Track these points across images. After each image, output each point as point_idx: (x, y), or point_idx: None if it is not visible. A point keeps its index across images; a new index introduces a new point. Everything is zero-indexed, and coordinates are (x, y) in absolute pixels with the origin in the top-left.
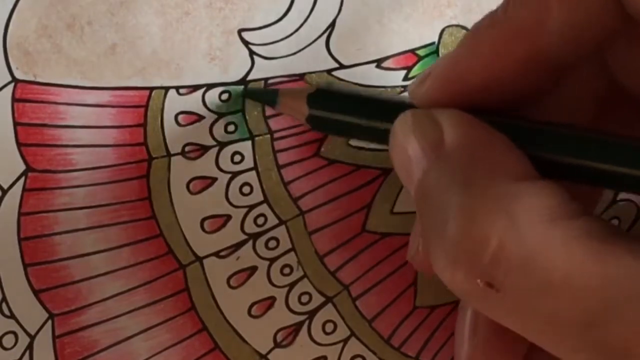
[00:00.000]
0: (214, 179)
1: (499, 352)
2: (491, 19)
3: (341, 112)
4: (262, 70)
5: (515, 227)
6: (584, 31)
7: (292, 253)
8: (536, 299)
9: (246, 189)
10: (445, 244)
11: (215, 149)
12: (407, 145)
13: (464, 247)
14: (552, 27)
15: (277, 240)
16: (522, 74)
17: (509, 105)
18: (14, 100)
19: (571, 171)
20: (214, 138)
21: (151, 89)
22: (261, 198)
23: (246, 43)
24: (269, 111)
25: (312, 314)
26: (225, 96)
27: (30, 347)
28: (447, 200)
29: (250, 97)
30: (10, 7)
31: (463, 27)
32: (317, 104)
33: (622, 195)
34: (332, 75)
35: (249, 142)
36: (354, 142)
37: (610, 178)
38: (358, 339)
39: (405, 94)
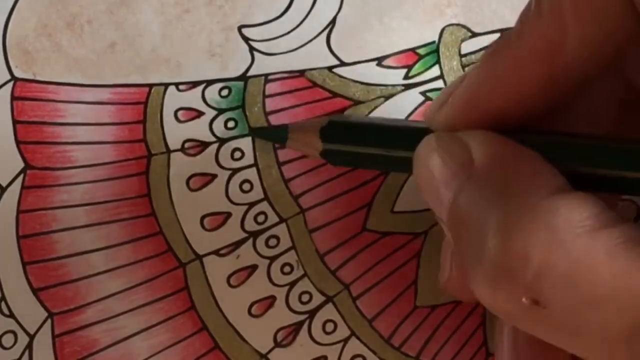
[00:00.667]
0: (214, 176)
1: None
2: (507, 40)
3: (357, 143)
4: (262, 66)
5: (557, 240)
6: (601, 44)
7: (293, 251)
8: (584, 313)
9: (246, 186)
10: (485, 264)
11: (215, 145)
12: (434, 169)
13: (505, 266)
14: (569, 44)
15: (278, 238)
16: (542, 93)
17: (530, 123)
18: (13, 98)
19: (600, 182)
20: (213, 134)
21: (150, 85)
22: (261, 195)
23: (246, 39)
24: (269, 107)
25: (312, 314)
26: (225, 92)
27: (29, 346)
28: (483, 220)
29: (257, 136)
30: (10, 6)
31: (463, 26)
32: (330, 137)
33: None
34: (333, 72)
35: (249, 139)
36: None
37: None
38: (358, 338)
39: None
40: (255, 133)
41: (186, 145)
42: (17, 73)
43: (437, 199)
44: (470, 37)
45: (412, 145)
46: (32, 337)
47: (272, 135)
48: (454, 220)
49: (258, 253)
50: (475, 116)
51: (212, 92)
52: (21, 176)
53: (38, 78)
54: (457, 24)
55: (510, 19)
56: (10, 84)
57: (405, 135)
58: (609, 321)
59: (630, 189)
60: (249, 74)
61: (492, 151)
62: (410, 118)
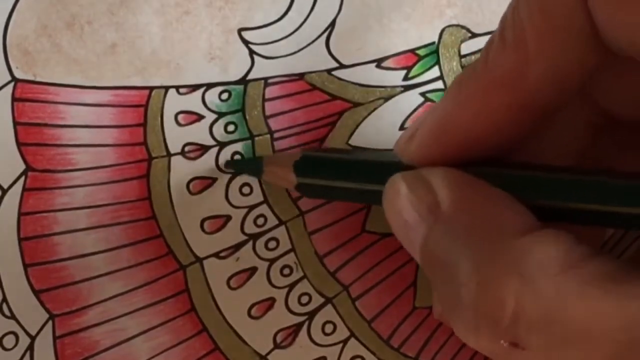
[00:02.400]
0: (214, 179)
1: None
2: (472, 70)
3: (330, 177)
4: (262, 69)
5: (529, 284)
6: (565, 73)
7: (292, 254)
8: (561, 352)
9: (246, 189)
10: (463, 312)
11: (215, 149)
12: (401, 210)
13: (482, 311)
14: (532, 73)
15: (277, 240)
16: (509, 122)
17: (500, 152)
18: (14, 99)
19: (570, 214)
20: (214, 138)
21: (151, 88)
22: (261, 198)
23: (246, 42)
24: (269, 111)
25: (311, 315)
26: (225, 96)
27: (30, 347)
28: (454, 263)
29: (234, 168)
30: (10, 6)
31: (463, 27)
32: (304, 171)
33: None
34: (332, 75)
35: (249, 142)
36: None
37: (607, 217)
38: (358, 339)
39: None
40: (231, 166)
41: (186, 148)
42: (18, 74)
43: (407, 239)
44: (470, 37)
45: (384, 179)
46: (33, 339)
47: (247, 168)
48: (426, 262)
49: (258, 255)
50: (443, 147)
51: (212, 96)
52: (22, 178)
53: (38, 79)
54: (457, 25)
55: None
56: (11, 85)
57: (377, 169)
58: (586, 357)
59: (600, 221)
60: (249, 77)
61: (457, 192)
62: (410, 120)
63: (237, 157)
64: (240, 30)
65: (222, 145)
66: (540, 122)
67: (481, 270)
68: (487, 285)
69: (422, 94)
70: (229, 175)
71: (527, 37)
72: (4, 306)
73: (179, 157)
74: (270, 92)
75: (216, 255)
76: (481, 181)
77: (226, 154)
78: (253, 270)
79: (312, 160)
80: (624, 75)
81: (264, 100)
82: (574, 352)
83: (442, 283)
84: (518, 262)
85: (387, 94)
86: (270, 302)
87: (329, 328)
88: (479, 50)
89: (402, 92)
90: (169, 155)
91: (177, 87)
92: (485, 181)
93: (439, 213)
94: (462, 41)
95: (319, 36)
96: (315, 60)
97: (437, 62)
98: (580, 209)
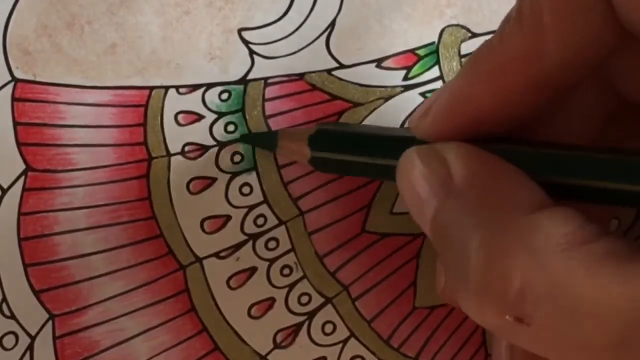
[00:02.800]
0: (214, 179)
1: None
2: (488, 46)
3: (344, 151)
4: (262, 69)
5: (537, 260)
6: (581, 51)
7: (292, 253)
8: (566, 328)
9: (246, 189)
10: (470, 284)
11: (215, 149)
12: (414, 183)
13: (488, 286)
14: (549, 50)
15: (277, 240)
16: (524, 98)
17: (514, 130)
18: (14, 99)
19: (581, 192)
20: (213, 138)
21: (151, 88)
22: (261, 198)
23: (246, 42)
24: (269, 111)
25: (311, 315)
26: (225, 95)
27: (30, 347)
28: (464, 238)
29: (247, 142)
30: (10, 6)
31: (463, 27)
32: (318, 145)
33: None
34: (332, 75)
35: None
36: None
37: (618, 195)
38: (357, 339)
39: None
40: (245, 140)
41: (186, 148)
42: (18, 74)
43: (419, 212)
44: (470, 37)
45: (398, 154)
46: (33, 339)
47: (261, 142)
48: (436, 235)
49: (258, 255)
50: (458, 123)
51: (212, 96)
52: (22, 178)
53: (38, 79)
54: (457, 25)
55: None
56: (11, 85)
57: (391, 144)
58: (590, 336)
59: (611, 200)
60: (249, 77)
61: (470, 166)
62: (410, 119)
63: (237, 156)
64: (240, 30)
65: (222, 145)
66: (554, 100)
67: (489, 244)
68: (494, 259)
69: (422, 94)
70: (228, 175)
71: (544, 14)
72: (4, 306)
73: (179, 157)
74: (270, 92)
75: (216, 255)
76: (494, 156)
77: (226, 154)
78: (253, 270)
79: (326, 134)
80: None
81: (264, 100)
82: (579, 328)
83: (450, 257)
84: (527, 237)
85: (387, 94)
86: (270, 302)
87: (328, 328)
88: None
89: (402, 92)
90: (169, 155)
91: (177, 87)
92: (498, 157)
93: (451, 186)
94: (462, 41)
95: (319, 36)
96: (315, 60)
97: (437, 62)
98: (592, 186)
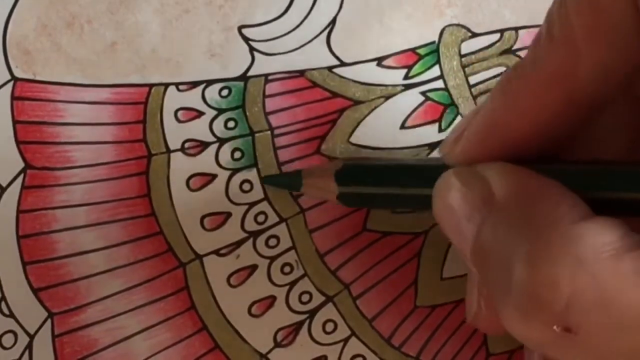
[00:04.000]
0: (214, 176)
1: None
2: (520, 70)
3: (373, 185)
4: (263, 66)
5: (585, 267)
6: (615, 67)
7: (293, 251)
8: (616, 337)
9: (246, 186)
10: (514, 295)
11: (215, 145)
12: (454, 205)
13: (534, 297)
14: (583, 70)
15: (278, 238)
16: (558, 120)
17: (546, 152)
18: (13, 98)
19: (622, 205)
20: (214, 134)
21: (150, 85)
22: (261, 195)
23: (246, 39)
24: (269, 107)
25: (312, 313)
26: (225, 92)
27: (29, 346)
28: (509, 251)
29: (270, 183)
30: (10, 6)
31: (463, 27)
32: (346, 180)
33: None
34: (333, 72)
35: (249, 139)
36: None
37: None
38: (358, 338)
39: (436, 154)
40: (269, 181)
41: (186, 145)
42: (17, 73)
43: (459, 234)
44: (470, 37)
45: (429, 183)
46: (32, 337)
47: (285, 182)
48: (478, 254)
49: (258, 253)
50: (492, 148)
51: (212, 92)
52: (21, 176)
53: (38, 78)
54: (457, 24)
55: (510, 19)
56: (11, 84)
57: (422, 173)
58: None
59: None
60: (249, 74)
61: (512, 183)
62: (410, 118)
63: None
64: (240, 28)
65: (222, 141)
66: (587, 119)
67: (535, 254)
68: (540, 268)
69: (423, 93)
70: (229, 172)
71: (576, 33)
72: (3, 304)
73: (179, 153)
74: (271, 88)
75: (216, 252)
76: (534, 172)
77: (226, 151)
78: (253, 268)
79: (353, 168)
80: None
81: (265, 96)
82: (629, 337)
83: (494, 274)
84: (572, 246)
85: (388, 93)
86: (270, 300)
87: (329, 327)
88: (479, 50)
89: (402, 90)
90: (169, 151)
91: (176, 84)
92: (538, 173)
93: (493, 203)
94: (462, 40)
95: (320, 33)
96: (316, 57)
97: (438, 61)
98: (632, 199)
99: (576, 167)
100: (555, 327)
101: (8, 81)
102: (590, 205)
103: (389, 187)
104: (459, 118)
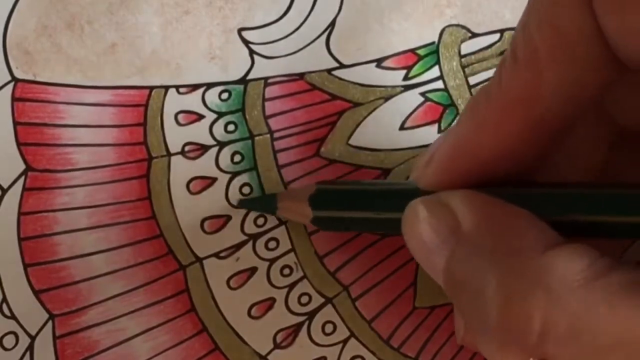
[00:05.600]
0: (214, 179)
1: None
2: (486, 93)
3: (347, 208)
4: (262, 69)
5: (555, 298)
6: (580, 87)
7: (292, 254)
8: None
9: (246, 189)
10: (490, 330)
11: (215, 149)
12: (422, 234)
13: (509, 329)
14: (547, 90)
15: (277, 240)
16: (525, 141)
17: (517, 174)
18: (14, 99)
19: (587, 228)
20: (214, 137)
21: (151, 88)
22: None
23: (246, 42)
24: (269, 110)
25: (311, 315)
26: (225, 95)
27: (30, 347)
28: (479, 284)
29: (246, 206)
30: (10, 6)
31: (463, 27)
32: (320, 204)
33: None
34: (332, 75)
35: (249, 142)
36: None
37: (625, 228)
38: (358, 339)
39: (410, 179)
40: (244, 205)
41: (186, 148)
42: (18, 74)
43: (430, 264)
44: (470, 37)
45: (402, 207)
46: (33, 339)
47: (261, 205)
48: (450, 284)
49: (258, 255)
50: (461, 171)
51: (212, 96)
52: (22, 178)
53: (38, 79)
54: (457, 25)
55: (510, 19)
56: (11, 85)
57: (395, 197)
58: None
59: (618, 233)
60: (249, 77)
61: (476, 213)
62: (410, 119)
63: (237, 156)
64: (240, 30)
65: (222, 145)
66: (556, 139)
67: (506, 287)
68: (512, 301)
69: (422, 94)
70: (229, 175)
71: (539, 52)
72: (4, 306)
73: (179, 156)
74: (270, 91)
75: (216, 255)
76: (500, 200)
77: (226, 154)
78: (253, 270)
79: (327, 192)
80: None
81: (264, 99)
82: None
83: (466, 305)
84: (542, 277)
85: (387, 94)
86: (270, 302)
87: (329, 328)
88: (479, 50)
89: (402, 91)
90: (169, 154)
91: (177, 87)
92: (504, 201)
93: (460, 234)
94: (462, 41)
95: (319, 36)
96: (315, 60)
97: (437, 62)
98: (598, 222)
99: (543, 191)
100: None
101: (8, 82)
102: (558, 228)
103: (362, 212)
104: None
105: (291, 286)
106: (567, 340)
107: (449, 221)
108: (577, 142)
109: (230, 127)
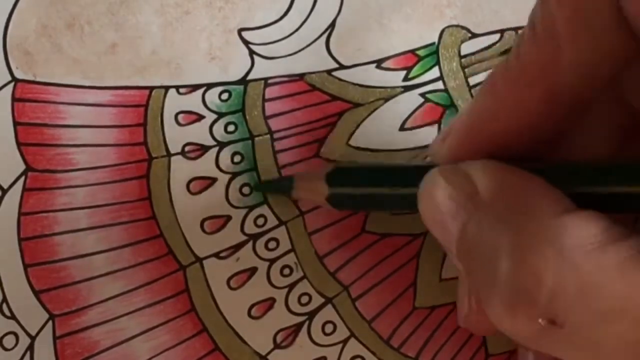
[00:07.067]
0: (214, 179)
1: None
2: (505, 66)
3: (363, 185)
4: (262, 69)
5: (567, 260)
6: (597, 66)
7: (292, 254)
8: (599, 328)
9: (246, 190)
10: (500, 289)
11: (215, 149)
12: (439, 203)
13: (518, 290)
14: (564, 65)
15: (277, 241)
16: (541, 116)
17: (532, 151)
18: (14, 99)
19: (605, 201)
20: (214, 138)
21: (151, 88)
22: (261, 199)
23: (246, 42)
24: (269, 111)
25: (311, 315)
26: (225, 96)
27: (30, 347)
28: (494, 246)
29: (264, 189)
30: (10, 7)
31: (463, 28)
32: (337, 181)
33: None
34: (332, 75)
35: (249, 142)
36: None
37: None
38: (358, 339)
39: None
40: (261, 187)
41: (186, 148)
42: (18, 74)
43: (444, 232)
44: (470, 38)
45: (418, 182)
46: (33, 339)
47: (278, 187)
48: (464, 249)
49: (258, 255)
50: (478, 145)
51: (212, 96)
52: (22, 178)
53: (38, 79)
54: (457, 25)
55: (510, 20)
56: (11, 85)
57: (411, 174)
58: (624, 334)
59: (634, 206)
60: (249, 77)
61: (496, 179)
62: (410, 120)
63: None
64: (240, 31)
65: (222, 145)
66: (571, 117)
67: (518, 247)
68: (524, 261)
69: (422, 95)
70: (229, 176)
71: (558, 28)
72: (4, 306)
73: (179, 157)
74: (271, 92)
75: (216, 255)
76: (517, 168)
77: (226, 154)
78: (253, 270)
79: (344, 170)
80: None
81: (264, 100)
82: (612, 328)
83: (480, 270)
84: (556, 238)
85: (387, 95)
86: (270, 302)
87: (329, 328)
88: (479, 51)
89: (402, 92)
90: (169, 155)
91: (177, 87)
92: (522, 170)
93: (478, 200)
94: (462, 41)
95: (319, 37)
96: (315, 60)
97: (437, 63)
98: (612, 194)
99: (559, 164)
100: (540, 320)
101: (9, 82)
102: (573, 200)
103: (379, 188)
104: None
105: (291, 286)
106: (577, 302)
107: (466, 187)
108: (592, 126)
109: (230, 128)
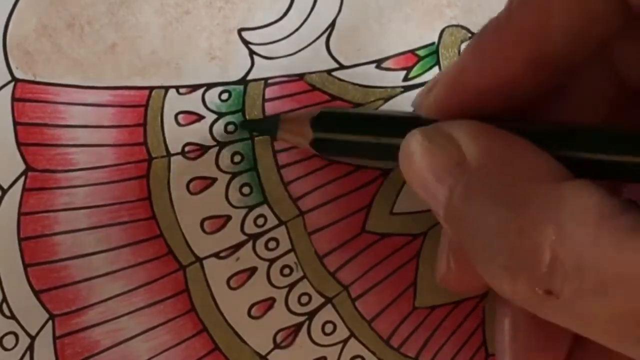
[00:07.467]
0: (214, 179)
1: (540, 356)
2: (495, 23)
3: (347, 132)
4: (262, 70)
5: (565, 232)
6: (587, 31)
7: (292, 254)
8: (595, 301)
9: (246, 190)
10: (500, 259)
11: (215, 149)
12: (422, 165)
13: (519, 260)
14: (554, 29)
15: (277, 240)
16: (529, 76)
17: (517, 110)
18: (14, 99)
19: (597, 168)
20: (214, 138)
21: (151, 88)
22: (261, 199)
23: (246, 42)
24: (269, 111)
25: (311, 315)
26: (225, 96)
27: (30, 347)
28: (488, 214)
29: (248, 128)
30: (10, 6)
31: (463, 27)
32: (321, 126)
33: None
34: (332, 76)
35: (249, 142)
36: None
37: (629, 168)
38: (357, 339)
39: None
40: (246, 126)
41: (186, 148)
42: (18, 74)
43: (430, 195)
44: (470, 38)
45: (402, 133)
46: (33, 339)
47: (262, 127)
48: (453, 216)
49: (258, 255)
50: (462, 98)
51: (212, 96)
52: (22, 178)
53: (38, 79)
54: (457, 25)
55: None
56: (11, 85)
57: (397, 123)
58: (616, 308)
59: (625, 174)
60: (249, 77)
61: (483, 144)
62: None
63: (237, 157)
64: (240, 31)
65: (222, 145)
66: (558, 81)
67: (517, 217)
68: (524, 233)
69: None
70: (229, 176)
71: None
72: (4, 306)
73: (179, 157)
74: (270, 92)
75: (216, 255)
76: (506, 132)
77: (226, 154)
78: (253, 270)
79: (329, 115)
80: None
81: (264, 100)
82: (609, 300)
83: (472, 235)
84: (553, 209)
85: (387, 95)
86: (270, 302)
87: (328, 328)
88: None
89: (402, 92)
90: (169, 155)
91: (177, 87)
92: (509, 132)
93: (464, 165)
94: (462, 41)
95: (319, 37)
96: (315, 60)
97: (437, 63)
98: (600, 160)
99: (545, 127)
100: (537, 289)
101: (8, 82)
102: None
103: (363, 135)
104: None
105: (291, 286)
106: (573, 275)
107: (452, 152)
108: (581, 92)
109: (230, 128)
